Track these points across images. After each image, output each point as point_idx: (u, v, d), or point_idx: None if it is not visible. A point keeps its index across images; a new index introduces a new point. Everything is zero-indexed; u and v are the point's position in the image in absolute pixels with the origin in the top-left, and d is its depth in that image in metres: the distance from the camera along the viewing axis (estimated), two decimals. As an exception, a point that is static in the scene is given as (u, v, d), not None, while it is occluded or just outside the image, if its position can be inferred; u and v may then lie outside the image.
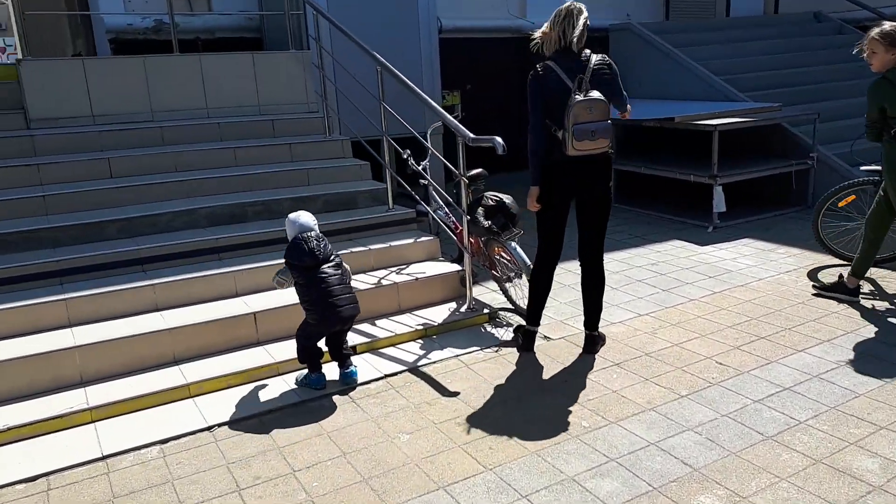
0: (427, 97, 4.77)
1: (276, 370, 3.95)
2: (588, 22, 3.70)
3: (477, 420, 3.42)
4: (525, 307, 4.42)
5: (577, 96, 3.58)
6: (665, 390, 3.61)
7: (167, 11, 6.52)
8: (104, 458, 3.20)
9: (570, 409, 3.48)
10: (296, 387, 3.79)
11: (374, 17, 7.47)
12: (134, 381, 3.74)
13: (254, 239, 4.82)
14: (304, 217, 3.82)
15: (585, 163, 3.73)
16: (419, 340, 4.35)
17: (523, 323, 4.24)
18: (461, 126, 4.44)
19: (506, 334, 4.41)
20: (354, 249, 4.91)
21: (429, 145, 5.22)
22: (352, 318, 3.76)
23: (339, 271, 3.74)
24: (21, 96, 5.66)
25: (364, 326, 4.42)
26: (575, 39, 3.68)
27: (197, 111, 6.30)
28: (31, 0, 12.73)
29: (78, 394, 3.62)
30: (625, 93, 3.88)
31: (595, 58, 3.75)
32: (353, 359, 3.97)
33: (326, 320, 3.66)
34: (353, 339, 4.23)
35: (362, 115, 5.64)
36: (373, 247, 4.99)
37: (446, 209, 5.25)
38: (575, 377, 3.83)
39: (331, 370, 3.87)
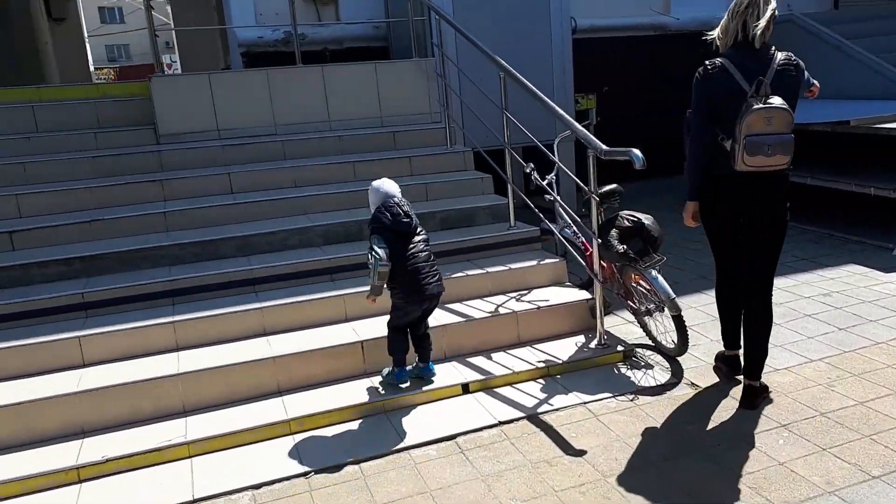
0: (553, 104, 4.27)
1: (382, 408, 3.61)
2: (776, 13, 3.11)
3: (605, 491, 2.89)
4: (669, 344, 3.84)
5: (753, 102, 2.99)
6: (849, 467, 2.90)
7: (292, 23, 6.45)
8: (195, 501, 2.98)
9: (723, 484, 2.86)
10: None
11: (502, 19, 7.04)
12: (235, 414, 3.54)
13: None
14: (389, 184, 3.68)
15: (756, 179, 3.15)
16: (540, 381, 3.86)
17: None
18: (592, 136, 3.90)
19: (644, 378, 3.82)
20: (470, 272, 4.50)
21: (555, 157, 4.71)
22: (437, 296, 3.63)
23: (427, 246, 3.64)
24: (152, 112, 5.75)
25: (478, 360, 3.99)
26: (758, 33, 3.10)
27: (319, 124, 6.16)
28: (184, 18, 13.45)
29: (178, 424, 3.46)
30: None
31: (780, 56, 3.15)
32: (465, 398, 3.59)
33: (410, 297, 3.54)
34: (465, 374, 3.83)
35: (484, 125, 5.22)
36: (491, 269, 4.55)
37: (574, 228, 4.72)
38: (730, 440, 3.18)
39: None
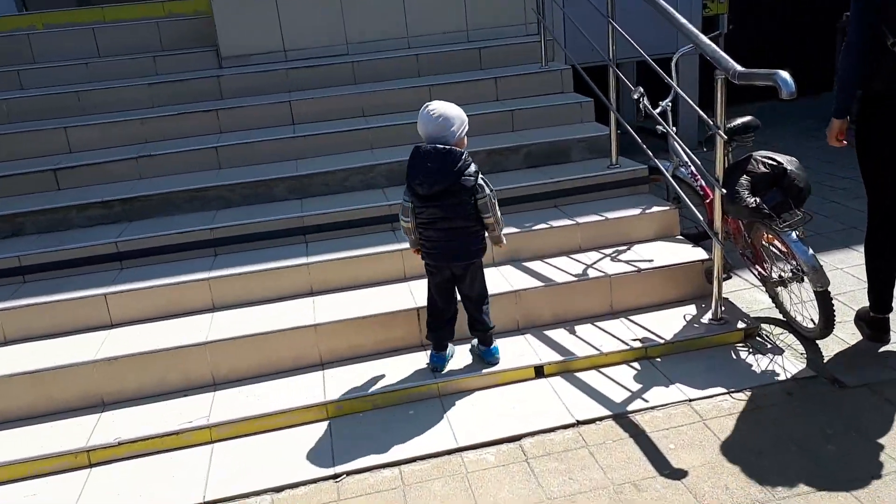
0: (668, 7, 3.29)
1: (437, 391, 3.02)
2: None
3: (707, 540, 2.17)
4: (807, 323, 3.01)
5: None
6: None
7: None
8: (206, 504, 2.55)
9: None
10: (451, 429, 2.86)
11: None
12: (268, 390, 3.06)
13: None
14: (438, 111, 2.81)
15: None
16: (635, 364, 3.11)
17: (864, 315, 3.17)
18: (721, 52, 2.95)
19: (771, 367, 2.99)
20: (555, 223, 3.73)
21: (673, 79, 3.75)
22: (464, 256, 2.92)
23: (461, 211, 2.83)
24: (214, 31, 5.20)
25: (558, 334, 3.29)
26: None
27: (396, 41, 5.41)
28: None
29: (204, 400, 3.03)
30: None
31: None
32: (538, 384, 2.97)
33: (431, 254, 2.93)
34: (540, 353, 3.14)
35: (583, 35, 4.28)
36: (582, 219, 3.75)
37: (693, 167, 3.80)
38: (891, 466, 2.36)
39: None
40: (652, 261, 3.52)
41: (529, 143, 4.31)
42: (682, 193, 3.60)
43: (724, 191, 3.03)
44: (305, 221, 3.79)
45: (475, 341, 3.15)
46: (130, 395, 3.08)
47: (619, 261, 3.56)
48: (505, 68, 5.14)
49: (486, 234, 2.97)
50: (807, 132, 6.44)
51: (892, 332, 3.11)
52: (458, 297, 3.07)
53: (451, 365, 3.11)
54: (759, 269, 3.34)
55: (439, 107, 2.83)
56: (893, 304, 3.07)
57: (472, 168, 2.82)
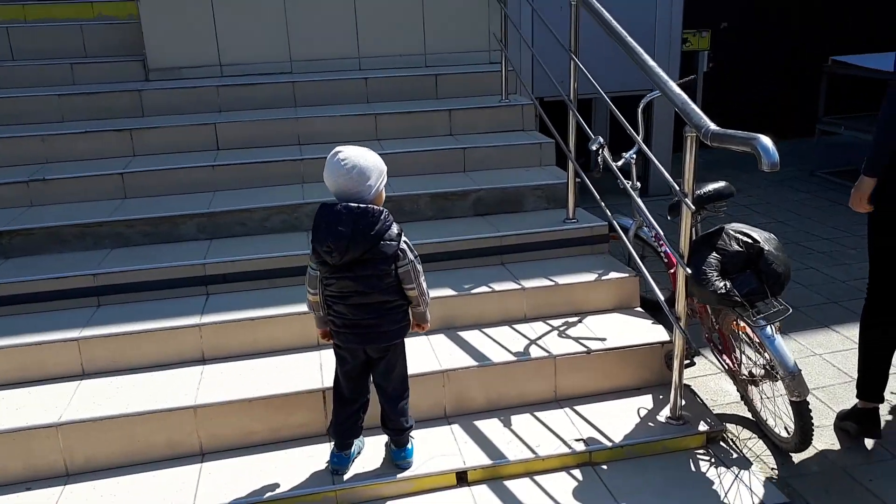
0: (634, 45, 2.80)
1: (334, 500, 2.48)
2: None
3: None
4: (781, 430, 2.55)
5: None
6: None
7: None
8: None
9: None
10: None
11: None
12: (130, 486, 2.52)
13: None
14: (351, 161, 2.27)
15: None
16: (576, 473, 2.60)
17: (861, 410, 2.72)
18: (693, 106, 2.47)
19: (736, 486, 2.49)
20: (499, 285, 3.23)
21: (638, 127, 3.29)
22: (382, 338, 2.40)
23: (378, 283, 2.31)
24: (142, 39, 4.66)
25: (490, 426, 2.78)
26: None
27: (346, 60, 4.90)
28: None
29: (49, 497, 2.47)
30: None
31: None
32: (459, 493, 2.45)
33: (341, 334, 2.40)
34: (465, 452, 2.63)
35: (543, 69, 3.81)
36: (529, 282, 3.26)
37: (658, 229, 3.32)
38: None
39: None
40: (605, 339, 3.03)
41: (479, 188, 3.82)
42: (640, 262, 3.09)
43: (689, 270, 2.54)
44: (208, 270, 3.25)
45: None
46: (-42, 487, 2.52)
47: (568, 336, 3.07)
48: (462, 99, 4.66)
49: (409, 309, 2.46)
50: (787, 181, 6.02)
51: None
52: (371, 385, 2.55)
53: (359, 463, 2.59)
54: (727, 361, 2.86)
55: (352, 155, 2.29)
56: (886, 394, 2.63)
57: (394, 230, 2.31)
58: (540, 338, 3.07)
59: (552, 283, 3.26)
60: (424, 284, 2.42)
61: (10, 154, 3.94)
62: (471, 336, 3.09)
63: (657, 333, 3.06)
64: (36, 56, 4.77)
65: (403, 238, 2.35)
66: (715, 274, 2.57)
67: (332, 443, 2.56)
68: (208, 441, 2.67)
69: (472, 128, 4.44)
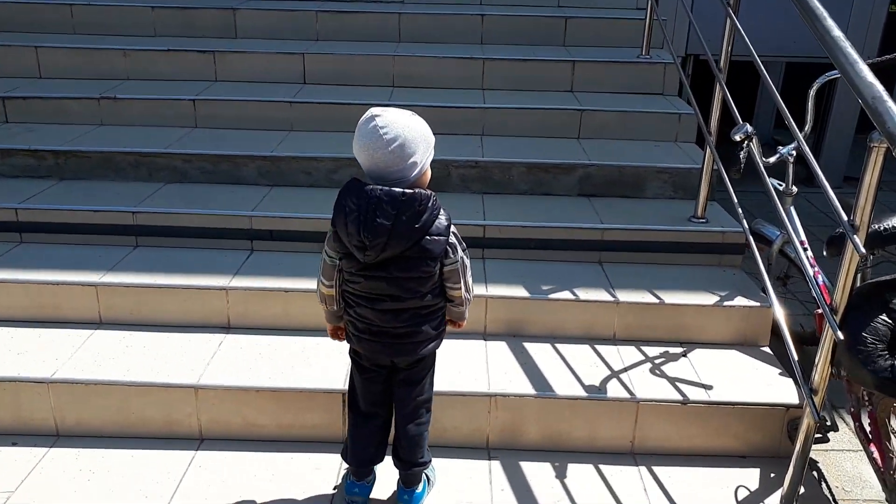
0: (819, 8, 1.98)
1: None
2: None
3: None
4: None
5: None
6: None
7: None
8: None
9: None
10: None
11: None
12: (113, 465, 2.20)
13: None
14: (391, 131, 1.69)
15: None
16: (634, 565, 1.99)
17: None
18: (888, 101, 1.66)
19: None
20: (587, 293, 2.58)
21: (807, 116, 2.46)
22: (412, 350, 1.88)
23: (418, 289, 1.80)
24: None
25: (539, 472, 2.20)
26: None
27: (470, -8, 4.27)
28: None
29: (25, 459, 2.21)
30: None
31: None
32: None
33: (363, 341, 1.89)
34: (496, 510, 2.08)
35: (691, 20, 3.01)
36: (626, 295, 2.58)
37: (808, 249, 2.52)
38: None
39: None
40: (711, 387, 2.33)
41: (589, 163, 3.13)
42: (769, 286, 2.33)
43: (841, 335, 1.78)
44: (254, 224, 2.85)
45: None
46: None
47: (663, 374, 2.39)
48: (593, 49, 3.92)
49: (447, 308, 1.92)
50: None
51: None
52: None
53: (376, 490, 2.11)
54: (876, 454, 2.08)
55: (393, 122, 1.70)
56: None
57: (443, 220, 1.76)
58: (626, 370, 2.42)
59: (656, 300, 2.57)
60: (471, 280, 1.90)
61: (92, 67, 3.71)
62: (539, 351, 2.50)
63: (783, 390, 2.32)
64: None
65: (453, 230, 1.80)
66: (880, 346, 1.79)
67: (348, 468, 2.08)
68: (209, 426, 2.30)
69: (599, 85, 3.71)
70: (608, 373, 2.40)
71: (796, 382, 2.28)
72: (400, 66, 3.71)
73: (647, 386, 2.33)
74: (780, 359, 2.49)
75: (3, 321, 2.56)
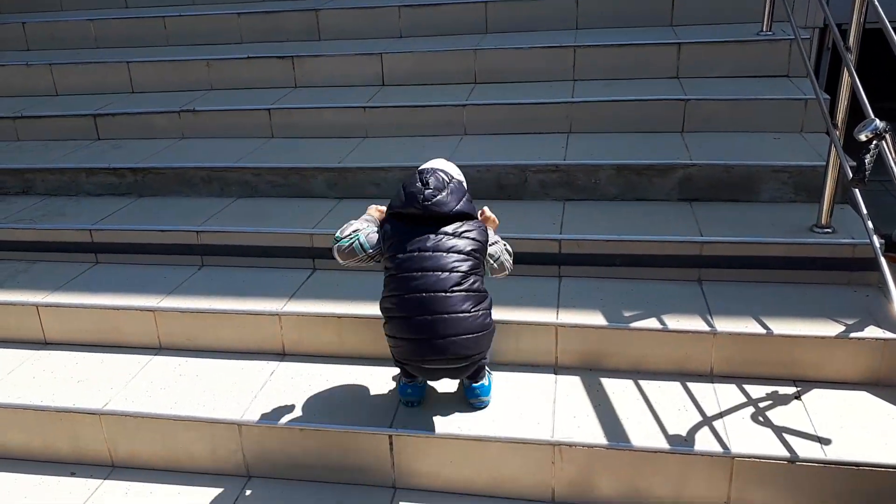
0: None
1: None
2: None
3: None
4: None
5: None
6: None
7: None
8: None
9: None
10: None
11: None
12: (159, 498, 2.13)
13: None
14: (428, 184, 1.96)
15: None
16: None
17: None
18: None
19: None
20: (678, 322, 2.19)
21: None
22: (461, 355, 1.92)
23: (460, 270, 1.91)
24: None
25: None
26: None
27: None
28: None
29: (81, 489, 2.19)
30: None
31: None
32: None
33: (406, 347, 1.97)
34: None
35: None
36: (727, 325, 2.17)
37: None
38: None
39: None
40: (828, 441, 1.89)
41: (690, 163, 2.70)
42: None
43: None
44: (315, 241, 2.70)
45: None
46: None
47: (768, 422, 1.98)
48: (706, 28, 3.44)
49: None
50: None
51: None
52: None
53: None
54: None
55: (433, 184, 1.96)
56: None
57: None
58: (722, 415, 2.02)
59: (764, 330, 2.14)
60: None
61: (178, 78, 3.74)
62: (618, 389, 2.16)
63: (928, 451, 1.84)
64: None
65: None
66: None
67: (399, 372, 2.13)
68: (255, 462, 2.18)
69: (711, 69, 3.26)
70: (700, 418, 2.02)
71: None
72: (482, 60, 3.43)
73: (748, 437, 1.93)
74: (927, 406, 2.00)
75: (72, 345, 2.58)
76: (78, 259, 2.88)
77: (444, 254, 1.88)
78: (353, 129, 3.28)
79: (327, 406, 2.19)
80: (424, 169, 2.01)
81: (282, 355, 2.45)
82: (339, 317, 2.39)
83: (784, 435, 1.94)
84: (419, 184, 1.93)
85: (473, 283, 1.91)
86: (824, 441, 1.90)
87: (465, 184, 2.05)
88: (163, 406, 2.23)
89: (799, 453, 1.87)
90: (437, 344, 1.87)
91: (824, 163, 2.41)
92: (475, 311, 1.89)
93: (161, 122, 3.47)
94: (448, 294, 1.86)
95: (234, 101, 3.50)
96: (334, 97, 3.42)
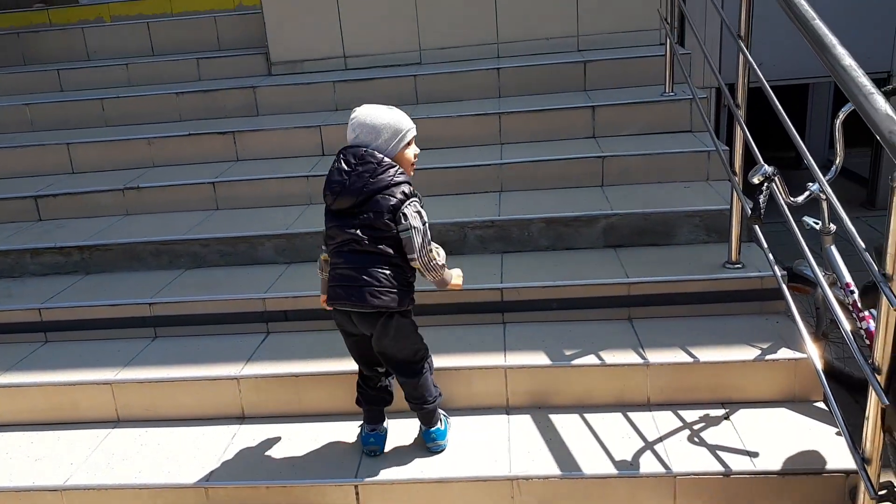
0: (819, 28, 1.79)
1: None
2: None
3: None
4: None
5: None
6: None
7: None
8: None
9: None
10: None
11: None
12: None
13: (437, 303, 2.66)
14: (355, 117, 2.05)
15: None
16: None
17: None
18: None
19: None
20: (614, 356, 2.39)
21: (837, 146, 2.26)
22: (362, 298, 2.00)
23: (374, 234, 2.01)
24: (263, 31, 4.36)
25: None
26: None
27: (482, 47, 4.25)
28: None
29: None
30: None
31: None
32: None
33: (331, 289, 2.08)
34: None
35: (703, 51, 2.86)
36: (658, 355, 2.38)
37: (853, 285, 2.28)
38: None
39: None
40: (756, 454, 2.10)
41: (611, 213, 2.97)
42: (807, 337, 2.10)
43: (887, 401, 1.56)
44: (268, 305, 2.80)
45: None
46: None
47: (703, 442, 2.18)
48: (615, 91, 3.79)
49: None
50: None
51: None
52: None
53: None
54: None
55: (362, 114, 2.04)
56: None
57: (403, 188, 2.00)
58: (662, 439, 2.21)
59: (690, 359, 2.36)
60: (432, 253, 2.06)
61: (119, 157, 3.81)
62: (566, 423, 2.32)
63: (839, 454, 2.07)
64: (173, 50, 4.68)
65: (413, 201, 2.01)
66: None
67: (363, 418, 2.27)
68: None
69: (622, 128, 3.57)
70: (642, 444, 2.20)
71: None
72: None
73: (686, 457, 2.12)
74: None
75: (25, 425, 2.57)
76: (27, 339, 2.87)
77: None
78: (297, 197, 3.42)
79: (291, 463, 2.27)
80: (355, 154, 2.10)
81: (241, 418, 2.52)
82: (297, 376, 2.48)
83: (718, 452, 2.14)
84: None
85: None
86: (753, 454, 2.11)
87: None
88: (126, 476, 2.25)
89: (732, 467, 2.07)
90: None
91: (729, 206, 2.72)
92: None
93: (105, 201, 3.52)
94: None
95: (177, 176, 3.59)
96: (276, 168, 3.57)
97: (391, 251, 2.00)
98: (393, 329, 2.05)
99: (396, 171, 1.99)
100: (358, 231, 1.98)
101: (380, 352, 2.11)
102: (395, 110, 2.08)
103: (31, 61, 4.90)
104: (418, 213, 2.00)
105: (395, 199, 1.97)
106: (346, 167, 1.97)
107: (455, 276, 2.18)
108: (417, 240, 1.98)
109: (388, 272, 2.00)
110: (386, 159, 1.99)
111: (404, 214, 1.97)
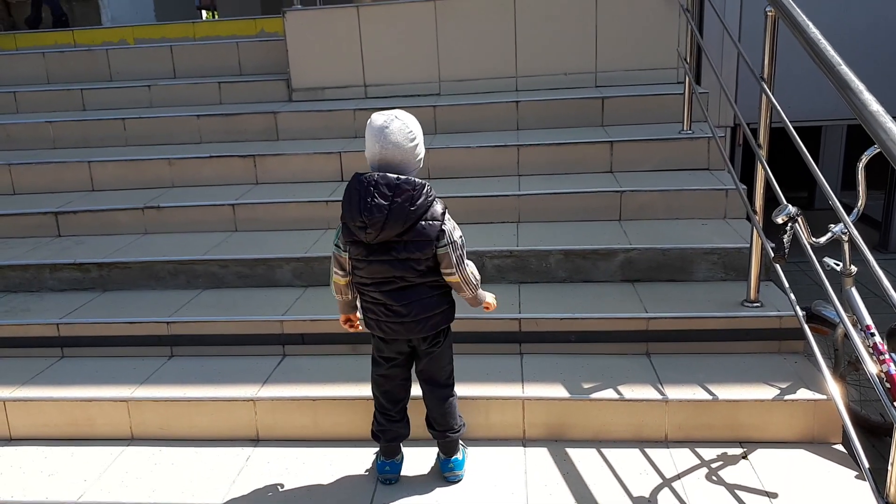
0: (847, 75, 1.82)
1: None
2: None
3: None
4: None
5: None
6: None
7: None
8: None
9: None
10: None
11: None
12: None
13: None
14: (394, 122, 1.99)
15: None
16: None
17: None
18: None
19: None
20: (632, 391, 2.39)
21: (860, 189, 2.28)
22: (426, 327, 2.07)
23: (416, 267, 1.99)
24: (286, 58, 4.43)
25: None
26: None
27: (500, 80, 4.31)
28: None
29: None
30: None
31: None
32: None
33: (376, 324, 2.10)
34: None
35: (724, 92, 2.91)
36: (676, 391, 2.38)
37: (876, 335, 2.28)
38: None
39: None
40: (776, 496, 2.08)
41: (630, 248, 2.98)
42: (829, 376, 2.10)
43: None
44: (286, 328, 2.80)
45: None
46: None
47: (721, 481, 2.16)
48: (633, 128, 3.83)
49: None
50: None
51: None
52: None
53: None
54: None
55: (393, 128, 1.97)
56: None
57: (438, 207, 1.98)
58: (679, 476, 2.20)
59: (709, 397, 2.36)
60: (469, 269, 2.08)
61: (140, 176, 3.85)
62: (583, 457, 2.31)
63: (860, 497, 2.05)
64: (194, 73, 4.76)
65: (448, 217, 2.01)
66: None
67: (379, 452, 2.27)
68: None
69: (639, 164, 3.60)
70: (660, 480, 2.19)
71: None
72: (434, 157, 3.69)
73: (705, 496, 2.10)
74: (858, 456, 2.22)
75: (40, 440, 2.57)
76: (43, 354, 2.88)
77: None
78: (315, 221, 3.45)
79: (305, 489, 2.25)
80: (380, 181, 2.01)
81: (256, 440, 2.51)
82: (314, 399, 2.48)
83: (736, 492, 2.12)
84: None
85: None
86: (772, 495, 2.09)
87: None
88: (140, 495, 2.24)
89: (751, 506, 2.05)
90: None
91: (748, 245, 2.73)
92: None
93: (124, 219, 3.55)
94: None
95: (196, 197, 3.63)
96: (296, 193, 3.60)
97: (433, 276, 2.02)
98: (446, 346, 2.14)
99: (426, 188, 1.95)
100: (402, 270, 1.97)
101: (429, 365, 2.14)
102: (415, 121, 2.05)
103: (54, 80, 4.98)
104: (455, 227, 2.01)
105: (437, 222, 1.95)
106: (383, 201, 1.89)
107: (488, 296, 2.20)
108: (457, 254, 1.99)
109: (436, 294, 2.04)
110: (417, 180, 1.95)
111: (443, 231, 1.96)
